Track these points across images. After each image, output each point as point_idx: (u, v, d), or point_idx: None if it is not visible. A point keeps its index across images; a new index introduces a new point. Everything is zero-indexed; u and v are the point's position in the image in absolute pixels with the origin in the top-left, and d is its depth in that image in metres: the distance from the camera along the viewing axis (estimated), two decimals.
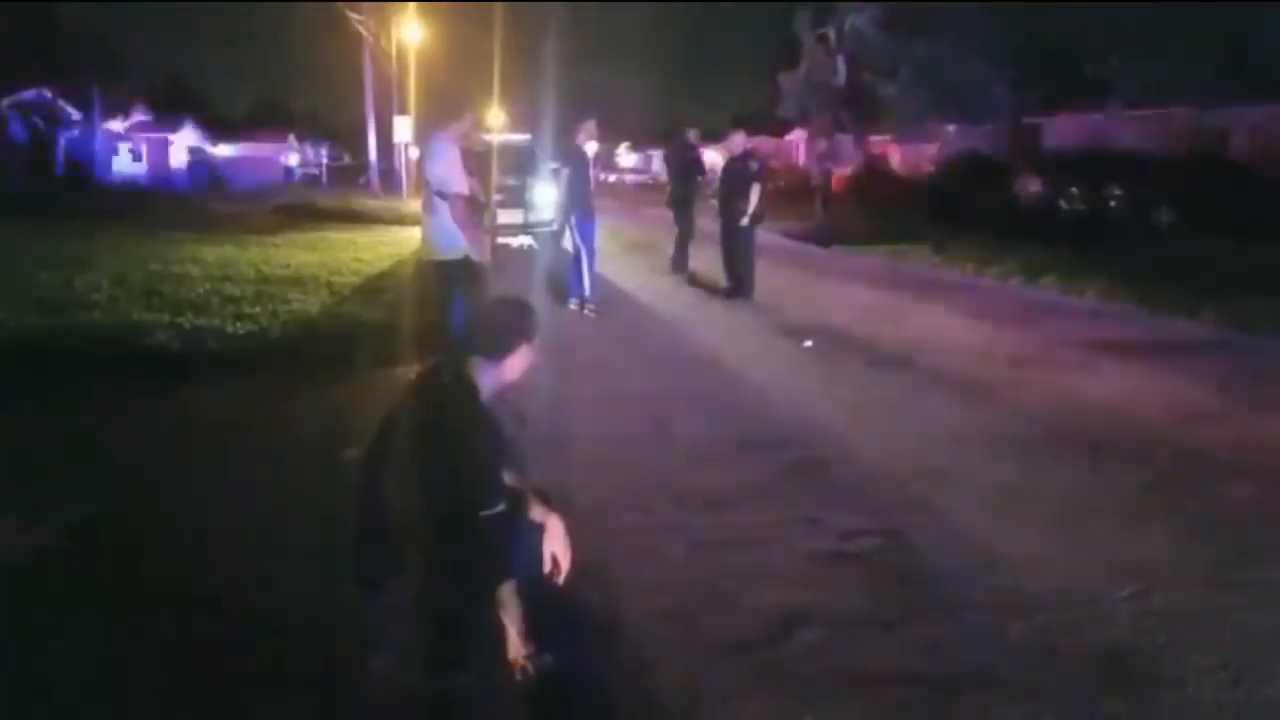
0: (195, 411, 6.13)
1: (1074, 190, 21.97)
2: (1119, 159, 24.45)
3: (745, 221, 11.35)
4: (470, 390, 2.89)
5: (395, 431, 2.94)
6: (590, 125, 10.68)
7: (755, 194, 11.35)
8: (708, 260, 12.77)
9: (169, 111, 57.27)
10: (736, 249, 11.57)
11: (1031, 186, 23.47)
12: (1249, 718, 2.88)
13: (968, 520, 4.44)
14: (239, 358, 7.34)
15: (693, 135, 14.71)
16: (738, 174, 11.48)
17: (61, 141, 38.91)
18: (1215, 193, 19.16)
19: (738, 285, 11.48)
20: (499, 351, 2.96)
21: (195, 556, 3.89)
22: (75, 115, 41.38)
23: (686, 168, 14.00)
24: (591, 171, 11.05)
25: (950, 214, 21.56)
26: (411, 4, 33.23)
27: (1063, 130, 35.20)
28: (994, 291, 12.80)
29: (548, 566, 2.91)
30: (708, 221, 13.06)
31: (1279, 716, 2.89)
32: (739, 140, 11.81)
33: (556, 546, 2.92)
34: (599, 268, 10.90)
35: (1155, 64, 29.93)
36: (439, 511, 2.76)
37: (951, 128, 34.47)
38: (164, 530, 4.15)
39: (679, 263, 13.70)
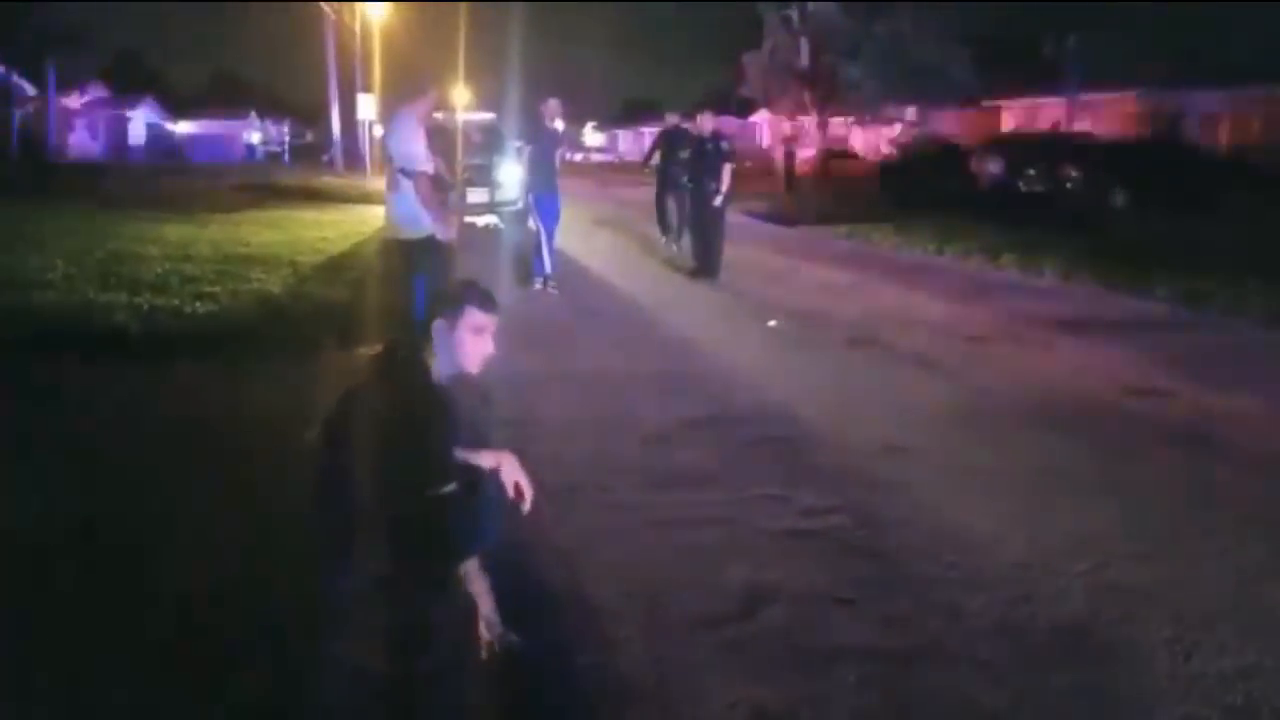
0: (146, 394, 5.99)
1: (1031, 172, 22.17)
2: (1075, 141, 24.73)
3: (719, 202, 11.36)
4: (420, 368, 2.88)
5: (348, 412, 2.92)
6: (554, 103, 10.68)
7: (727, 174, 11.37)
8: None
9: (127, 87, 56.33)
10: (707, 229, 11.56)
11: (990, 168, 23.65)
12: (1202, 689, 2.94)
13: (929, 497, 4.50)
14: (197, 339, 7.24)
15: (672, 118, 15.03)
16: (708, 154, 11.44)
17: (16, 118, 38.14)
18: (1167, 175, 19.45)
19: (704, 265, 11.50)
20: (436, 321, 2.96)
21: (155, 548, 3.86)
22: (30, 91, 40.59)
23: (674, 149, 14.13)
24: (558, 150, 11.05)
25: (911, 194, 21.71)
26: None
27: (1021, 112, 35.54)
28: (954, 270, 12.91)
29: (510, 493, 2.88)
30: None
31: (1231, 688, 2.95)
32: (707, 120, 11.79)
33: (517, 476, 2.89)
34: (563, 244, 10.90)
35: (1111, 48, 30.25)
36: (390, 492, 2.75)
37: (912, 110, 34.69)
38: (125, 523, 4.10)
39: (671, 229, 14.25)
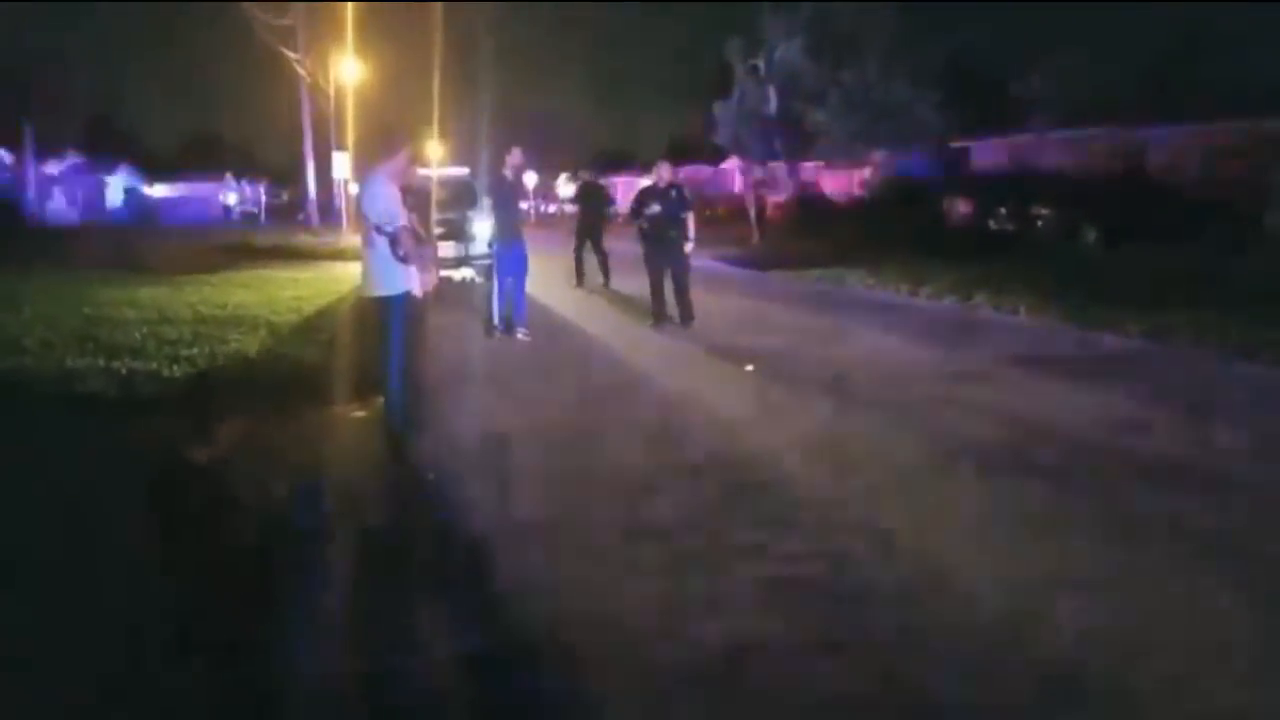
0: (118, 456, 5.94)
1: (1002, 211, 22.45)
2: (1044, 179, 25.07)
3: (690, 248, 11.49)
4: None
5: None
6: (516, 154, 10.87)
7: (692, 221, 11.53)
8: (639, 287, 12.82)
9: (104, 152, 56.41)
10: (678, 277, 11.50)
11: (961, 208, 23.93)
12: None
13: (911, 540, 4.50)
14: (174, 401, 7.24)
15: (584, 174, 18.70)
16: (671, 203, 11.49)
17: None
18: (1135, 210, 19.75)
19: (662, 311, 11.53)
20: None
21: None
22: (7, 158, 40.64)
23: (598, 201, 17.38)
24: (528, 203, 11.25)
25: (883, 236, 21.94)
26: (349, 43, 33.13)
27: (989, 152, 35.98)
28: (928, 311, 13.02)
29: None
30: (629, 245, 13.30)
31: None
32: (665, 170, 11.85)
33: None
34: (540, 297, 11.04)
35: (1078, 85, 30.77)
36: None
37: (881, 152, 35.07)
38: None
39: (584, 276, 16.50)
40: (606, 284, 16.10)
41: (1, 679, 3.21)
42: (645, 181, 12.53)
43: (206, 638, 3.53)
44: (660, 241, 11.57)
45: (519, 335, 10.75)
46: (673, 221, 11.47)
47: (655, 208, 11.50)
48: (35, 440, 6.17)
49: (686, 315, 11.41)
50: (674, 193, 11.59)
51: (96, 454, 5.91)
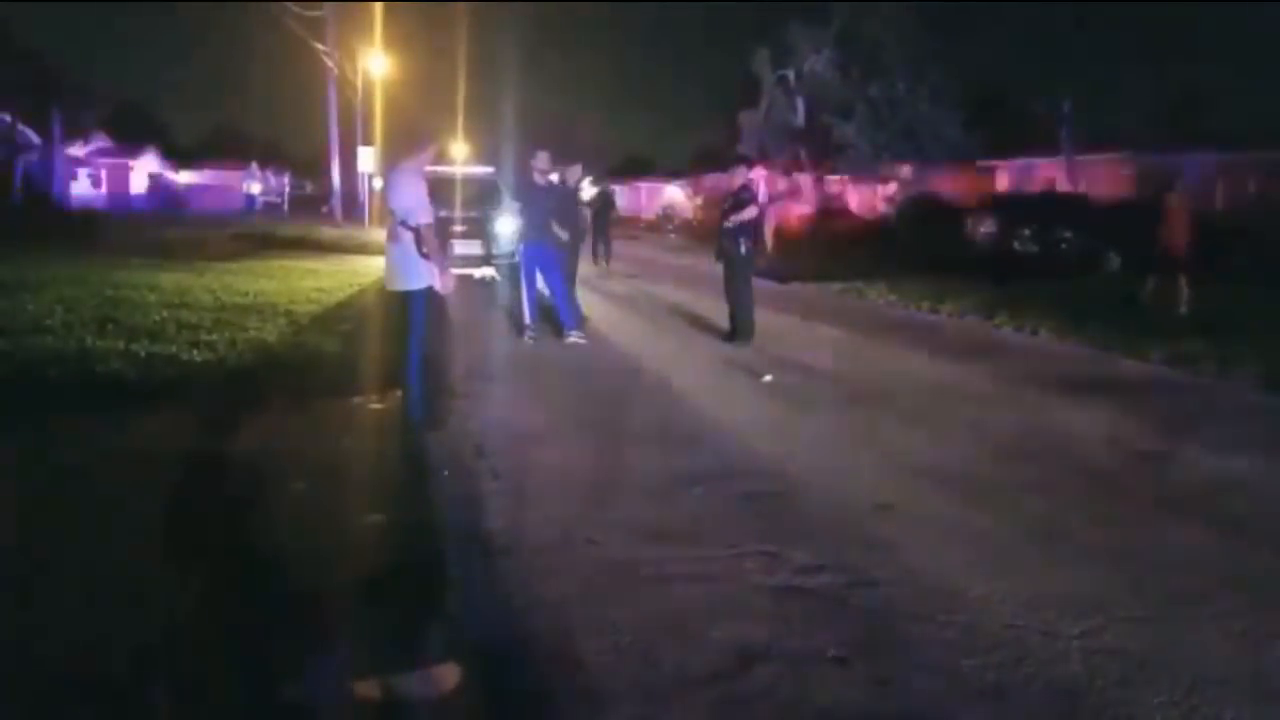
0: (133, 441, 5.96)
1: (1026, 232, 22.31)
2: (1069, 202, 24.93)
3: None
4: None
5: None
6: (542, 158, 10.78)
7: (757, 217, 10.91)
8: (661, 291, 12.79)
9: (130, 137, 56.84)
10: (742, 287, 10.87)
11: (984, 228, 23.80)
12: None
13: (923, 556, 4.47)
14: (192, 386, 7.26)
15: (604, 182, 23.92)
16: (736, 207, 10.63)
17: (20, 165, 38.38)
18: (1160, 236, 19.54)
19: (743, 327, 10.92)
20: None
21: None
22: (35, 140, 40.93)
23: (606, 205, 22.60)
24: (548, 204, 11.10)
25: (905, 252, 21.84)
26: (378, 38, 33.32)
27: (1015, 173, 35.89)
28: (949, 328, 12.94)
29: None
30: (660, 253, 13.32)
31: None
32: (741, 173, 10.96)
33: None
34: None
35: (1105, 110, 30.63)
36: None
37: (907, 168, 35.05)
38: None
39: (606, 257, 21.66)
40: (607, 263, 21.23)
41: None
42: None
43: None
44: (724, 254, 10.78)
45: (570, 339, 10.43)
46: (737, 230, 10.64)
47: (741, 214, 10.57)
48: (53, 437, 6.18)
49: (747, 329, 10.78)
50: (743, 194, 10.74)
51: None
